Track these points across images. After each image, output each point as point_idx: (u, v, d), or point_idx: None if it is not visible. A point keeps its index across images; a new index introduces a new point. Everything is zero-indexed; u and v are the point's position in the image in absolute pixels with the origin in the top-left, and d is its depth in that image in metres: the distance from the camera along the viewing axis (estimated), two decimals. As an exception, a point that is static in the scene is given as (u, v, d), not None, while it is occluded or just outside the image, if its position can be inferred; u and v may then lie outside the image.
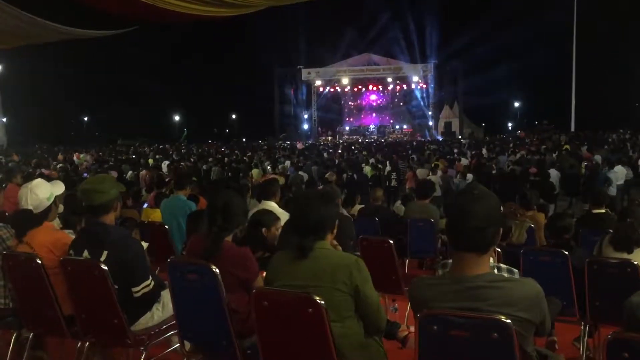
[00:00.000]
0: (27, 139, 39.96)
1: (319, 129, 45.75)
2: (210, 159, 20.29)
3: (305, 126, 45.32)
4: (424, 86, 42.64)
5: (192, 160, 20.80)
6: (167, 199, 6.34)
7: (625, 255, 3.90)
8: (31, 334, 3.42)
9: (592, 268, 3.76)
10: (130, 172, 14.62)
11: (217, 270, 2.62)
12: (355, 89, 44.77)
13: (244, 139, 48.13)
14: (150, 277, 3.15)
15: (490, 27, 39.71)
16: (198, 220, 3.73)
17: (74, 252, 3.18)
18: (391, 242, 4.52)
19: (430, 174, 12.99)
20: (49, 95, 47.96)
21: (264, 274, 2.88)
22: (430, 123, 43.04)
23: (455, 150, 21.85)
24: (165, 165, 17.19)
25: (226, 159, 20.62)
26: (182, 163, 18.11)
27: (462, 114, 43.41)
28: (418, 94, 43.26)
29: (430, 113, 43.22)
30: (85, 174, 14.14)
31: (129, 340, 3.03)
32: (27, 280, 3.20)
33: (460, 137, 38.79)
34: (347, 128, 45.60)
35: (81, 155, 24.03)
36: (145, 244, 3.43)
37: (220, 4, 13.75)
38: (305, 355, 2.34)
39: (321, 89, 44.15)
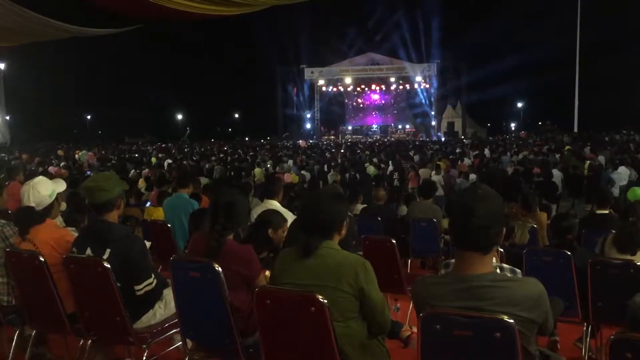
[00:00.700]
0: (31, 136, 40.05)
1: (322, 128, 45.72)
2: (213, 158, 20.32)
3: (308, 125, 45.29)
4: (427, 86, 42.49)
5: (194, 159, 20.82)
6: (169, 197, 6.34)
7: (628, 257, 3.89)
8: (34, 331, 3.42)
9: (595, 269, 3.74)
10: (133, 171, 14.64)
11: (220, 269, 2.62)
12: (358, 89, 44.76)
13: (247, 138, 48.21)
14: (153, 275, 3.16)
15: (493, 27, 39.77)
16: (201, 219, 3.73)
17: (77, 249, 3.19)
18: (394, 241, 4.50)
19: (433, 173, 12.98)
20: (52, 93, 48.11)
21: (267, 272, 2.88)
22: (433, 123, 42.94)
23: (458, 150, 21.82)
24: (166, 164, 17.22)
25: (229, 158, 20.64)
26: (185, 162, 18.12)
27: (464, 114, 43.32)
28: (421, 93, 43.18)
29: (433, 113, 43.12)
30: (88, 172, 14.16)
31: (131, 338, 3.03)
32: (30, 277, 3.19)
33: (462, 137, 38.71)
34: (349, 127, 45.65)
35: (81, 153, 24.02)
36: (148, 243, 3.43)
37: (227, 3, 13.73)
38: (308, 354, 2.33)
39: (324, 88, 44.03)
